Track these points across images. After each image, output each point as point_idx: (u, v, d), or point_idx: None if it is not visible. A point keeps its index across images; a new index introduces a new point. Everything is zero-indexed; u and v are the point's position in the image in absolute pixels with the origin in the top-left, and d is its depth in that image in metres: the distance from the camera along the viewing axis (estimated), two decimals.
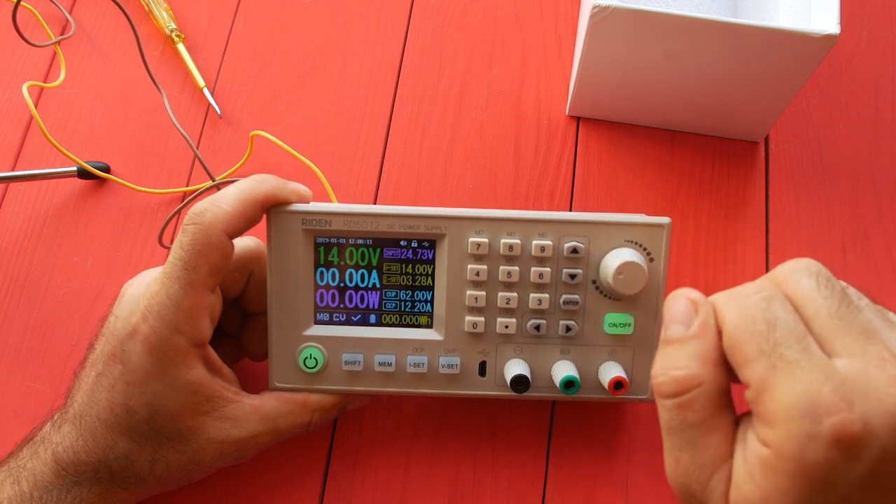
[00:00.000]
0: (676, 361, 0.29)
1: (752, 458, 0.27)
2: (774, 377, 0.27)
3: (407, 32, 0.56)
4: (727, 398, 0.29)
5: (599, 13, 0.43)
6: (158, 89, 0.50)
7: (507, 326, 0.41)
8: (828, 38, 0.42)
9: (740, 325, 0.28)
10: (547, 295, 0.40)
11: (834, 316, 0.27)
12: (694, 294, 0.31)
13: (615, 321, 0.40)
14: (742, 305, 0.28)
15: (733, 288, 0.29)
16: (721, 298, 0.29)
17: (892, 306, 0.47)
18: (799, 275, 0.29)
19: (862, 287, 0.29)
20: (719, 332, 0.29)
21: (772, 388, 0.27)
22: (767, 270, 0.49)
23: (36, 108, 0.52)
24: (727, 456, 0.29)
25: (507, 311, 0.41)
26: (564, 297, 0.40)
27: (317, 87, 0.54)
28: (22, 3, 0.55)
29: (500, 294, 0.40)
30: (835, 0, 0.43)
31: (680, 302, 0.30)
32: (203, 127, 0.53)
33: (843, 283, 0.29)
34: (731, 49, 0.44)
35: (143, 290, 0.37)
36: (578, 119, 0.53)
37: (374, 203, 0.51)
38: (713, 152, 0.52)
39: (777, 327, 0.27)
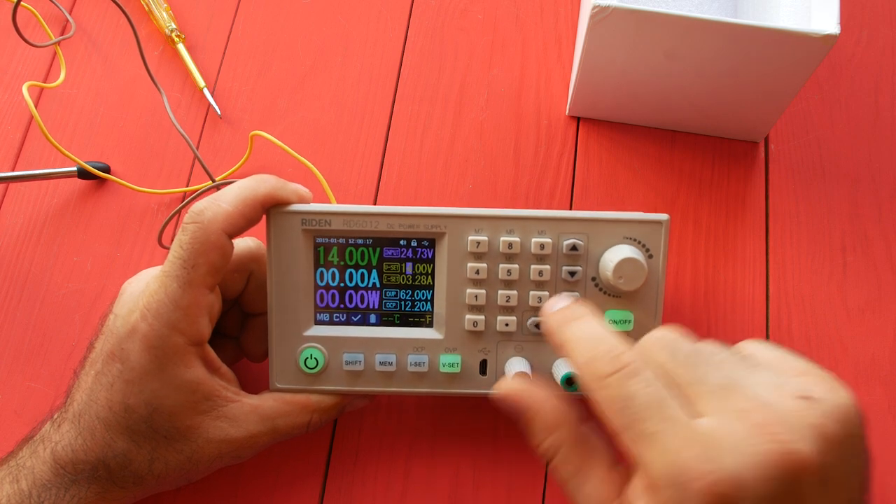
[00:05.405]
0: (536, 438, 0.33)
1: None
2: (639, 450, 0.28)
3: (407, 32, 0.56)
4: (588, 445, 0.32)
5: (599, 13, 0.43)
6: (158, 89, 0.50)
7: (507, 324, 0.41)
8: (828, 38, 0.42)
9: (602, 402, 0.30)
10: (547, 293, 0.40)
11: (692, 382, 0.29)
12: (503, 387, 0.35)
13: (615, 318, 0.40)
14: (602, 385, 0.30)
15: (592, 351, 0.31)
16: (584, 371, 0.31)
17: (891, 306, 0.48)
18: (651, 351, 0.31)
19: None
20: (548, 394, 0.33)
21: (641, 460, 0.29)
22: (767, 270, 0.49)
23: (36, 108, 0.52)
24: (608, 499, 0.31)
25: (508, 310, 0.41)
26: (564, 294, 0.40)
27: (317, 87, 0.54)
28: (22, 3, 0.55)
29: (500, 292, 0.40)
30: (835, 0, 0.43)
31: (502, 399, 0.35)
32: (203, 127, 0.53)
33: (696, 345, 0.30)
34: (731, 49, 0.44)
35: (143, 288, 0.37)
36: (578, 119, 0.53)
37: (374, 203, 0.51)
38: (713, 152, 0.52)
39: (634, 402, 0.29)
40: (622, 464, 0.32)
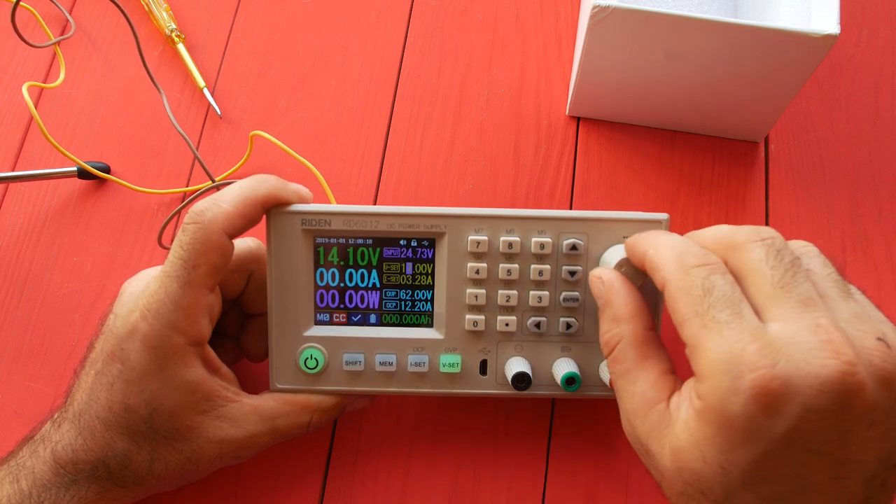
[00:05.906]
0: (602, 327, 0.35)
1: (690, 409, 0.29)
2: (705, 335, 0.29)
3: (407, 32, 0.56)
4: (647, 348, 0.33)
5: (599, 13, 0.43)
6: (158, 89, 0.50)
7: (507, 324, 0.41)
8: (828, 38, 0.42)
9: (681, 288, 0.30)
10: (547, 292, 0.40)
11: (776, 286, 0.29)
12: (598, 271, 0.36)
13: None
14: (686, 273, 0.31)
15: (682, 248, 0.32)
16: (669, 262, 0.32)
17: (891, 306, 0.48)
18: (752, 245, 0.31)
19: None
20: (629, 290, 0.35)
21: (702, 346, 0.29)
22: None
23: (36, 108, 0.52)
24: (653, 401, 0.32)
25: (508, 309, 0.41)
26: (564, 294, 0.40)
27: (317, 87, 0.54)
28: (22, 3, 0.55)
29: (500, 292, 0.40)
30: (835, 0, 0.43)
31: (594, 280, 0.36)
32: (203, 127, 0.53)
33: (796, 254, 0.30)
34: (731, 49, 0.44)
35: (143, 288, 0.37)
36: (578, 119, 0.53)
37: (374, 203, 0.51)
38: (713, 152, 0.52)
39: (713, 293, 0.30)
40: (676, 374, 0.33)
